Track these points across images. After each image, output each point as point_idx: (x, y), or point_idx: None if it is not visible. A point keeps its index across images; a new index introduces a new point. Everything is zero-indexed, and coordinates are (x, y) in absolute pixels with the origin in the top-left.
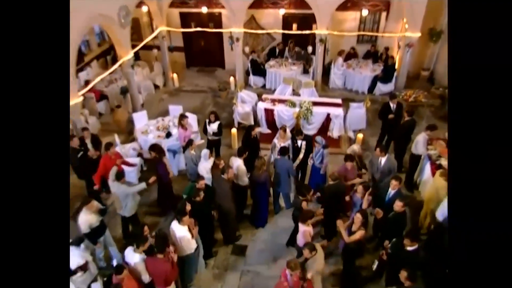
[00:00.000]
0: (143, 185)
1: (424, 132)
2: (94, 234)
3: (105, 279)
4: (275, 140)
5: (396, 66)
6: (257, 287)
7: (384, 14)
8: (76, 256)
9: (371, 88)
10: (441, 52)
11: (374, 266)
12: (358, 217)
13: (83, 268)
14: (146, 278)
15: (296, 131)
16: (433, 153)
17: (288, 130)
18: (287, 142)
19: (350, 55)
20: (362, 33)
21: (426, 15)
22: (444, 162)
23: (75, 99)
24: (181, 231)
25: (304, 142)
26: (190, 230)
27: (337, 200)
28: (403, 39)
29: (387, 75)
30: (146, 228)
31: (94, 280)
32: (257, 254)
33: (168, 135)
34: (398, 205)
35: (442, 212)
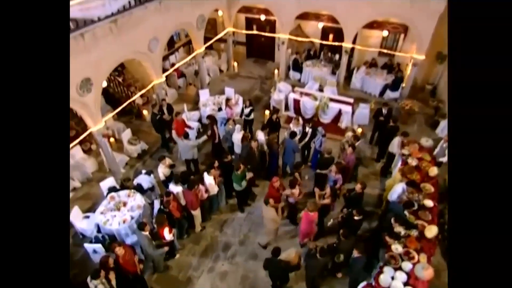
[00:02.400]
0: (204, 137)
1: (399, 136)
2: (167, 181)
3: (161, 198)
4: (291, 125)
5: (405, 79)
6: (256, 221)
7: (402, 35)
8: (148, 182)
9: (382, 93)
10: (444, 71)
11: (329, 223)
12: (328, 190)
13: (152, 189)
14: (182, 202)
15: (308, 120)
16: (406, 152)
17: (300, 119)
18: (299, 128)
19: (371, 65)
20: (378, 49)
21: (435, 41)
22: (410, 160)
23: (160, 79)
24: (209, 179)
25: (311, 130)
26: (215, 179)
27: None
28: (411, 58)
29: (395, 85)
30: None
31: (156, 198)
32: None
33: (220, 109)
34: (357, 188)
35: (391, 196)
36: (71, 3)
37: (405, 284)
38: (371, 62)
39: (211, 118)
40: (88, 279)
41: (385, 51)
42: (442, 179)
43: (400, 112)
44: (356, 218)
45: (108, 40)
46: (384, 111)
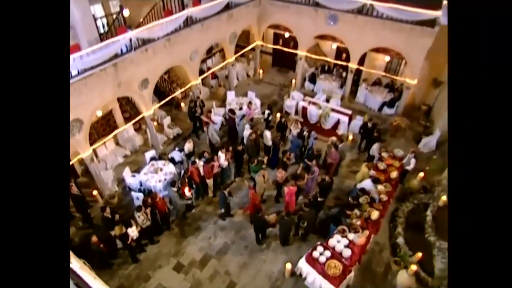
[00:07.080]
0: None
1: (377, 143)
2: (190, 155)
3: (186, 168)
4: (291, 127)
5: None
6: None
7: (404, 61)
8: (179, 156)
9: (380, 109)
10: (439, 95)
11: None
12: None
13: (181, 162)
14: (201, 171)
15: (309, 125)
16: (383, 157)
17: (299, 123)
18: (297, 130)
19: (375, 83)
20: (377, 72)
21: (432, 69)
22: (379, 164)
23: (196, 81)
24: (222, 157)
25: (307, 133)
26: (226, 156)
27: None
28: (405, 82)
29: (391, 102)
30: (206, 153)
31: (183, 169)
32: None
33: (240, 108)
34: (327, 178)
35: (359, 186)
36: (141, 28)
37: (346, 246)
38: (375, 80)
39: (231, 111)
40: (135, 212)
41: (383, 74)
42: (408, 184)
43: (389, 126)
44: (319, 199)
45: (162, 52)
46: (369, 124)
